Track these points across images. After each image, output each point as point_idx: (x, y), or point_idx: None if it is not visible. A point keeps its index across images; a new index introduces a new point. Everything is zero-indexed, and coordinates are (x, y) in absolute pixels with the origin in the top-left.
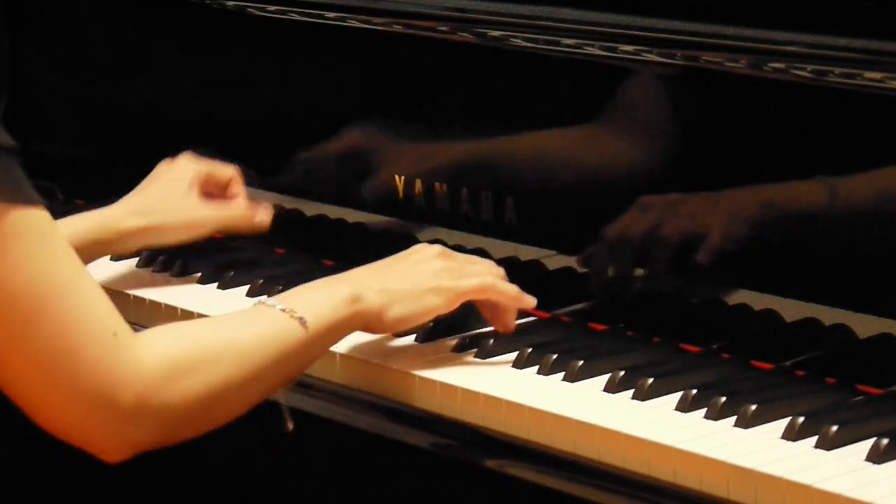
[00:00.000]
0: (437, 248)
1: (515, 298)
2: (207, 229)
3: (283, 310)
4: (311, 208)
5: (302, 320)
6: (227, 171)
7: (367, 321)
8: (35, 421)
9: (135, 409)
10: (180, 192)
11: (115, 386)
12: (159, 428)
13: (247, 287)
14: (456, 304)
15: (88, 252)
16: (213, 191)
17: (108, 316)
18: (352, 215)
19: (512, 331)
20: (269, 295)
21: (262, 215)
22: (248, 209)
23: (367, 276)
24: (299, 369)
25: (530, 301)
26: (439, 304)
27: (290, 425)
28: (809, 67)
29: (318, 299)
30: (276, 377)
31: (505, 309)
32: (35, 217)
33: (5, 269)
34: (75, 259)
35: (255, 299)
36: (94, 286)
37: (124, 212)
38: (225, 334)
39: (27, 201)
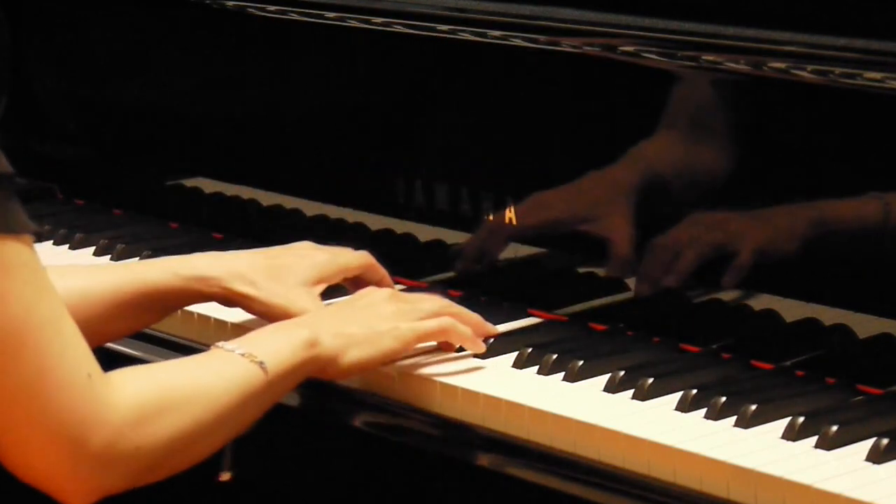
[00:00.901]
0: (387, 290)
1: (472, 341)
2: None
3: (243, 354)
4: (311, 208)
5: (262, 364)
6: (358, 269)
7: (323, 365)
8: (4, 464)
9: (103, 453)
10: (295, 280)
11: (86, 428)
12: (126, 472)
13: None
14: (413, 347)
15: (172, 297)
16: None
17: (84, 357)
18: (352, 215)
19: (483, 350)
20: None
21: None
22: None
23: (322, 321)
24: (259, 413)
25: (481, 347)
26: (397, 348)
27: (226, 476)
28: (809, 67)
29: (276, 343)
30: (239, 421)
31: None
32: (24, 251)
33: None
34: (57, 297)
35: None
36: (71, 326)
37: (223, 272)
38: (191, 379)
39: (19, 232)
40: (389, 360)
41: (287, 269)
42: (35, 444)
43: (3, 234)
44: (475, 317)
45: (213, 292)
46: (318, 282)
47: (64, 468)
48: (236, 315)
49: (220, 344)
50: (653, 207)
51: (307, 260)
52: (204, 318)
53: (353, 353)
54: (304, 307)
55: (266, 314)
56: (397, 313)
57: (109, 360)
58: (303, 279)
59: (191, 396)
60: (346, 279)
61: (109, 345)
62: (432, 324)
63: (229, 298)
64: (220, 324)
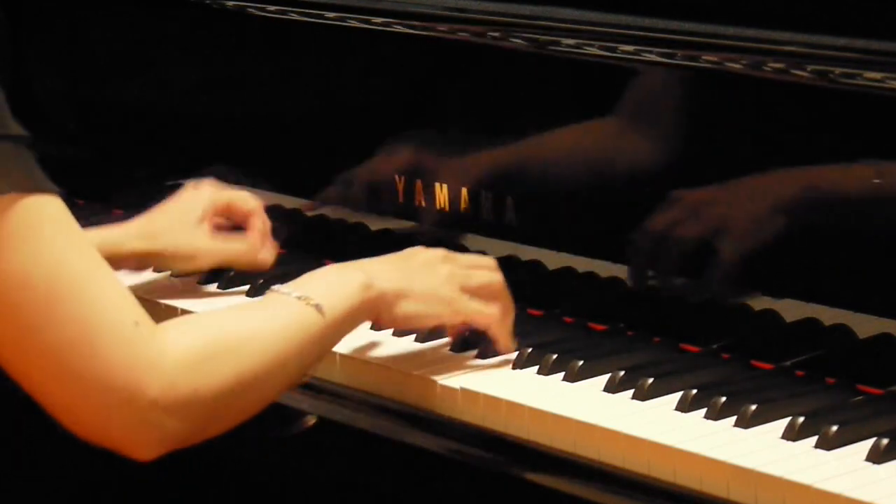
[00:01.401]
0: (441, 251)
1: (506, 341)
2: (208, 262)
3: (299, 297)
4: (311, 208)
5: (318, 307)
6: (248, 203)
7: (378, 309)
8: (61, 422)
9: (160, 400)
10: (189, 221)
11: (139, 377)
12: (187, 420)
13: (247, 287)
14: (458, 321)
15: None
16: (232, 221)
17: (128, 306)
18: (352, 215)
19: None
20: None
21: (265, 254)
22: (251, 246)
23: (377, 268)
24: (318, 357)
25: (511, 349)
26: (448, 316)
27: (313, 419)
28: (809, 67)
29: (332, 286)
30: (298, 365)
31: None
32: (52, 205)
33: (23, 258)
34: (92, 249)
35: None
36: (111, 275)
37: (128, 234)
38: (246, 323)
39: (44, 189)
40: (436, 323)
41: (177, 215)
42: (89, 399)
43: (25, 192)
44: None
45: (122, 254)
46: (206, 214)
47: (119, 420)
48: None
49: (276, 287)
50: (649, 206)
51: (196, 197)
52: None
53: (408, 306)
54: (198, 245)
55: (170, 261)
56: (451, 276)
57: None
58: (192, 218)
59: (246, 338)
60: (236, 215)
61: None
62: (485, 311)
63: (138, 258)
64: None
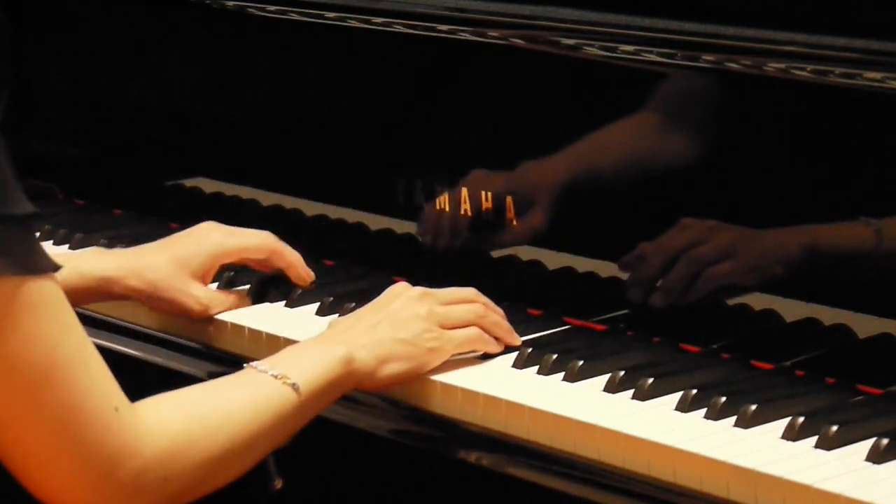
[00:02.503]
0: (418, 290)
1: (495, 347)
2: (191, 311)
3: (276, 376)
4: (311, 208)
5: (295, 386)
6: (263, 247)
7: (360, 380)
8: (30, 490)
9: (131, 484)
10: (183, 272)
11: (116, 461)
12: (156, 500)
13: (246, 287)
14: (446, 358)
15: (79, 296)
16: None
17: (111, 390)
18: (352, 215)
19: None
20: (269, 295)
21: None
22: (242, 299)
23: (356, 333)
24: (293, 432)
25: (498, 347)
26: (434, 361)
27: (279, 484)
28: (809, 67)
29: (310, 363)
30: (271, 442)
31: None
32: (48, 288)
33: (18, 341)
34: (82, 331)
35: (258, 306)
36: (98, 360)
37: (123, 267)
38: (221, 404)
39: (42, 271)
40: (427, 370)
41: (182, 262)
42: (63, 477)
43: (24, 275)
44: (501, 314)
45: (116, 291)
46: (213, 265)
47: (93, 499)
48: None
49: (254, 364)
50: (648, 205)
51: (202, 246)
52: (235, 327)
53: (391, 368)
54: (196, 296)
55: (165, 308)
56: (430, 316)
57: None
58: (197, 267)
59: (220, 424)
60: (252, 261)
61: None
62: (462, 336)
63: (130, 296)
64: (253, 333)
